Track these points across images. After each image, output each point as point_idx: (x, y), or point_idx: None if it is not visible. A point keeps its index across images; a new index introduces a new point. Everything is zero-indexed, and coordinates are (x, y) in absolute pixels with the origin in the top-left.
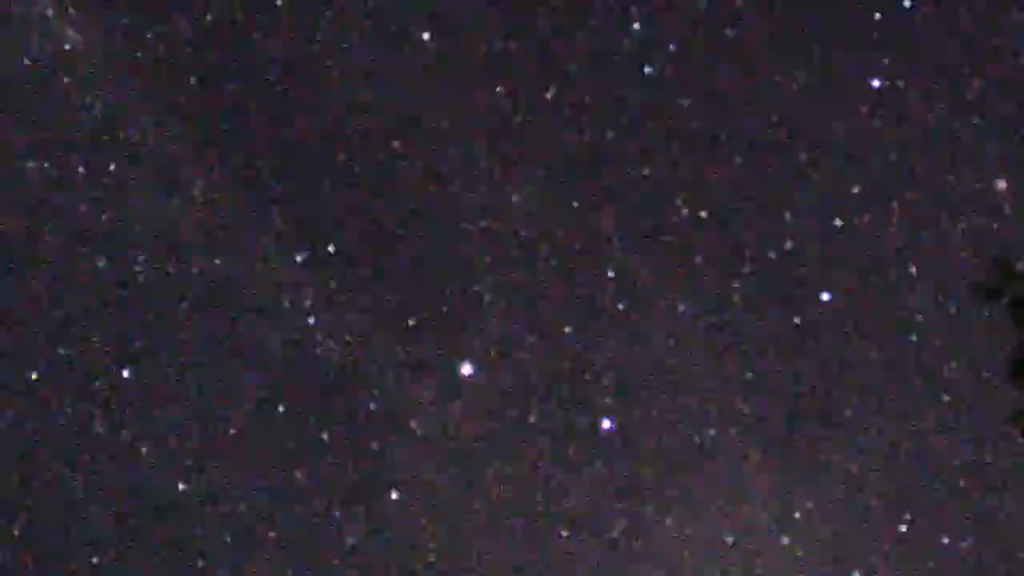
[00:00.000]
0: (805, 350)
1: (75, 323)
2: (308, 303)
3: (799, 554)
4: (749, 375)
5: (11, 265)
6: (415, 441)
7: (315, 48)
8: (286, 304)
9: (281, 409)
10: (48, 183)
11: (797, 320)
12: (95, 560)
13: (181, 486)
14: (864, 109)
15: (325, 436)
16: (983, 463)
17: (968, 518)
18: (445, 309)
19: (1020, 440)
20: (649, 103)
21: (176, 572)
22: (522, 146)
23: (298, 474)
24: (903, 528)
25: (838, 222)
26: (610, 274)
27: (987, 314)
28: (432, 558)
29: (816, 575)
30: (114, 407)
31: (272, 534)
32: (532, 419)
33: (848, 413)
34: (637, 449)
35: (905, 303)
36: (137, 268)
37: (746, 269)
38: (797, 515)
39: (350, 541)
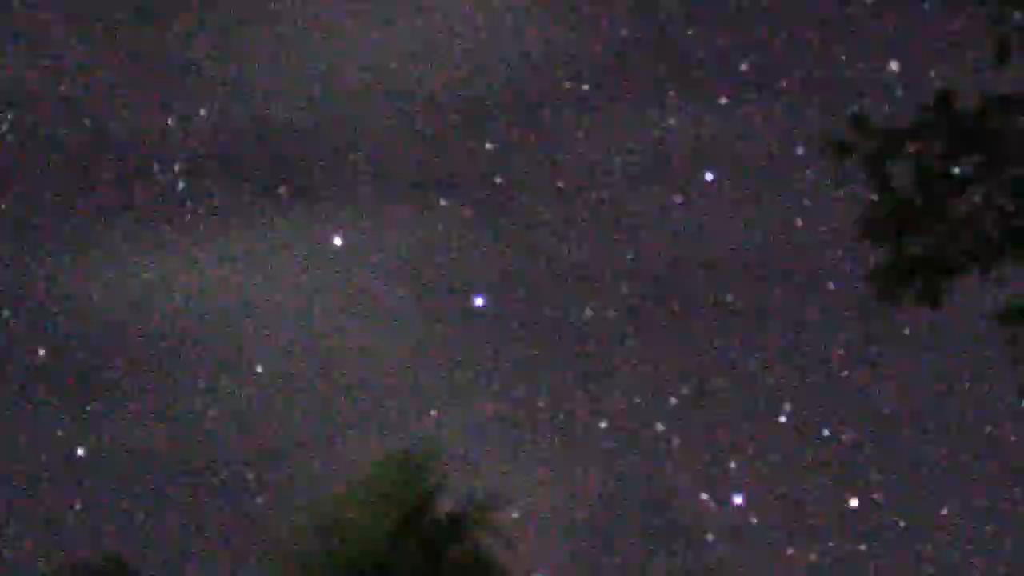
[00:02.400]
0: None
1: None
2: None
3: (675, 441)
4: (630, 256)
5: None
6: (282, 312)
7: None
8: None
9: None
10: None
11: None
12: None
13: None
14: None
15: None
16: (862, 351)
17: (848, 409)
18: (320, 178)
19: (876, 299)
20: None
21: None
22: None
23: (163, 343)
24: (782, 419)
25: None
26: (488, 146)
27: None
28: (296, 434)
29: (691, 463)
30: None
31: (137, 403)
32: (401, 293)
33: (730, 298)
34: (510, 328)
35: None
36: None
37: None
38: (673, 402)
39: (213, 412)
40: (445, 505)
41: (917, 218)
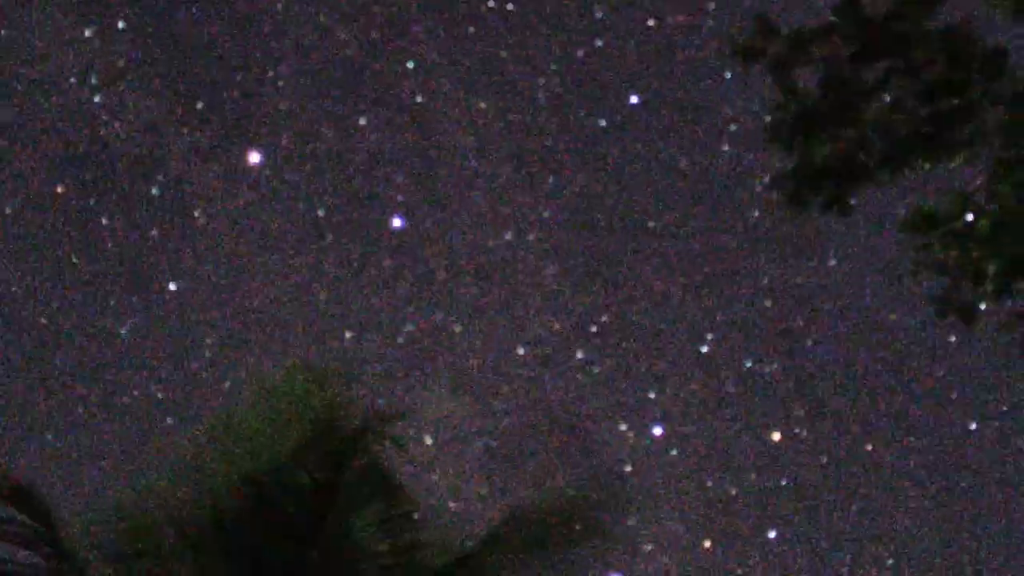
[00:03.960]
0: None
1: None
2: (94, 81)
3: (595, 369)
4: (551, 180)
5: None
6: (198, 230)
7: None
8: (71, 81)
9: (60, 190)
10: None
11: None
12: None
13: None
14: None
15: (104, 221)
16: (786, 282)
17: (771, 341)
18: (235, 93)
19: (782, 206)
20: None
21: None
22: None
23: (75, 259)
24: (704, 350)
25: None
26: (409, 65)
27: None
28: (208, 353)
29: (610, 393)
30: None
31: (43, 320)
32: (320, 212)
33: (652, 224)
34: (428, 251)
35: None
36: None
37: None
38: (593, 329)
39: (125, 331)
40: (350, 420)
41: (825, 123)
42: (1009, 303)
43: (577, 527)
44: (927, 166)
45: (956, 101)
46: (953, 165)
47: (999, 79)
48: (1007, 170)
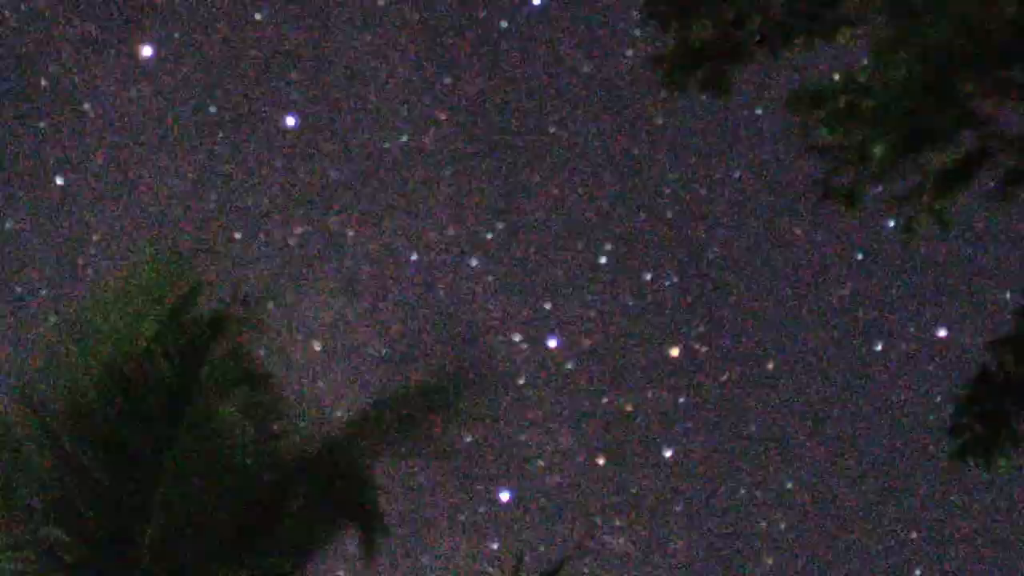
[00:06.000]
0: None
1: None
2: None
3: (489, 278)
4: (447, 80)
5: None
6: (87, 123)
7: None
8: None
9: None
10: None
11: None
12: None
13: None
14: None
15: None
16: (688, 190)
17: (672, 253)
18: None
19: (660, 86)
20: None
21: None
22: None
23: None
24: (602, 260)
25: None
26: None
27: None
28: (93, 251)
29: (505, 302)
30: None
31: None
32: (213, 109)
33: (553, 130)
34: (322, 149)
35: None
36: None
37: None
38: (489, 236)
39: (10, 226)
40: (209, 305)
41: (701, 1)
42: (893, 186)
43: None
44: (806, 45)
45: None
46: (836, 44)
47: None
48: (892, 49)
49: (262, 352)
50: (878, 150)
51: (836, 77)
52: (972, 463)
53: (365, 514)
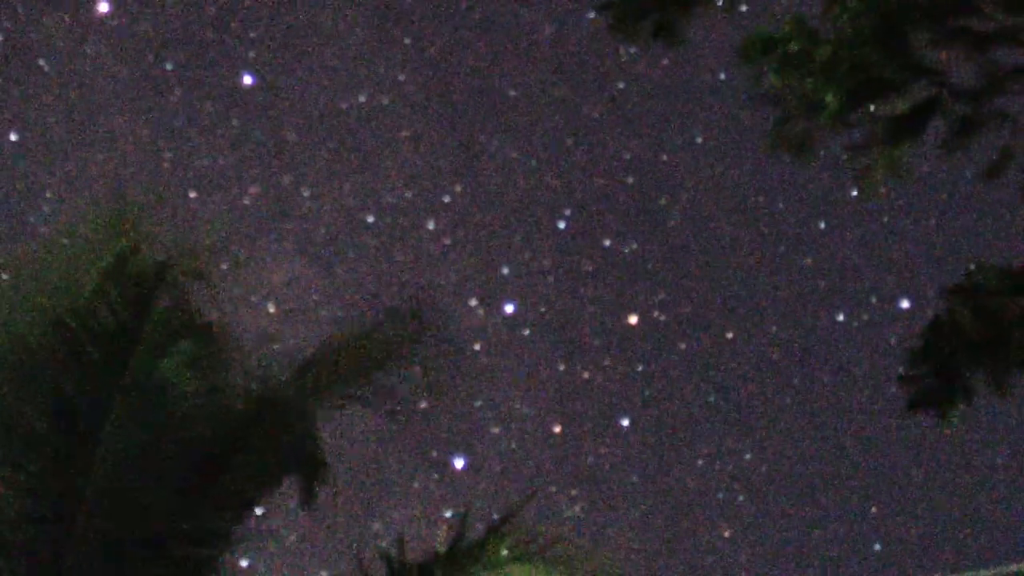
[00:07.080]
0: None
1: None
2: None
3: (446, 241)
4: (407, 40)
5: None
6: (42, 80)
7: None
8: None
9: None
10: None
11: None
12: None
13: None
14: None
15: None
16: (649, 154)
17: (632, 219)
18: None
19: (610, 33)
20: None
21: None
22: None
23: None
24: (561, 225)
25: None
26: None
27: None
28: (47, 208)
29: (461, 266)
30: None
31: None
32: (169, 67)
33: (513, 93)
34: (280, 110)
35: None
36: None
37: None
38: (446, 199)
39: None
40: (153, 256)
41: None
42: (844, 136)
43: (396, 361)
44: None
45: None
46: None
47: None
48: None
49: (209, 306)
50: (829, 99)
51: (787, 26)
52: (925, 415)
53: (308, 461)
